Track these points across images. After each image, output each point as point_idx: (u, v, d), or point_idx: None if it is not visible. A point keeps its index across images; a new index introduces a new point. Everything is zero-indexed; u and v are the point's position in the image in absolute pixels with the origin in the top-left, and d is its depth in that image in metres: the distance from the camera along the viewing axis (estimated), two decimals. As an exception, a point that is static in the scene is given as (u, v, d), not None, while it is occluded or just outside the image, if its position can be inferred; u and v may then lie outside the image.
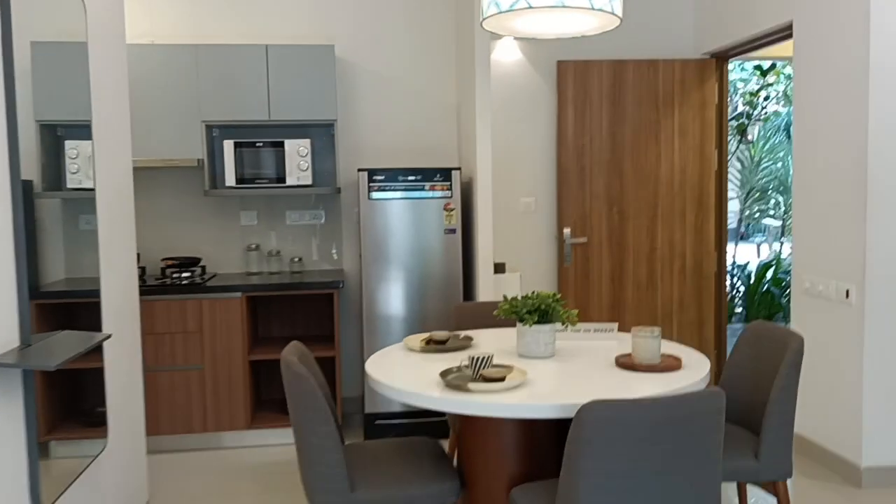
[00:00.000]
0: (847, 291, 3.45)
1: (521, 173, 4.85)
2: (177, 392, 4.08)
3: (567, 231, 4.77)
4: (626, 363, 2.46)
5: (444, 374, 2.36)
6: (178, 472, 3.84)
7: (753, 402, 2.71)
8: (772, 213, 9.69)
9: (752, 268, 8.30)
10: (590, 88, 4.72)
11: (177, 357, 4.07)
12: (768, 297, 7.62)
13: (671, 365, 2.42)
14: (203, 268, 4.46)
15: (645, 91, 4.75)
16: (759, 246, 13.35)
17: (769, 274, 7.77)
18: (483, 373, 2.27)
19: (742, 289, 7.77)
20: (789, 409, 2.49)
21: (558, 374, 2.42)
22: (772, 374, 2.64)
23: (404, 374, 2.46)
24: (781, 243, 9.82)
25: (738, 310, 7.74)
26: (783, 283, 7.71)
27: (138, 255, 4.47)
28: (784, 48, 4.49)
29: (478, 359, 2.33)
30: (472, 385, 2.21)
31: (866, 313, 3.35)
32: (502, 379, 2.25)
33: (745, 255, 11.08)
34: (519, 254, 4.87)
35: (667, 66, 4.74)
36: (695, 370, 2.43)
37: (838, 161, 3.51)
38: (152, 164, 4.19)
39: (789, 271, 7.94)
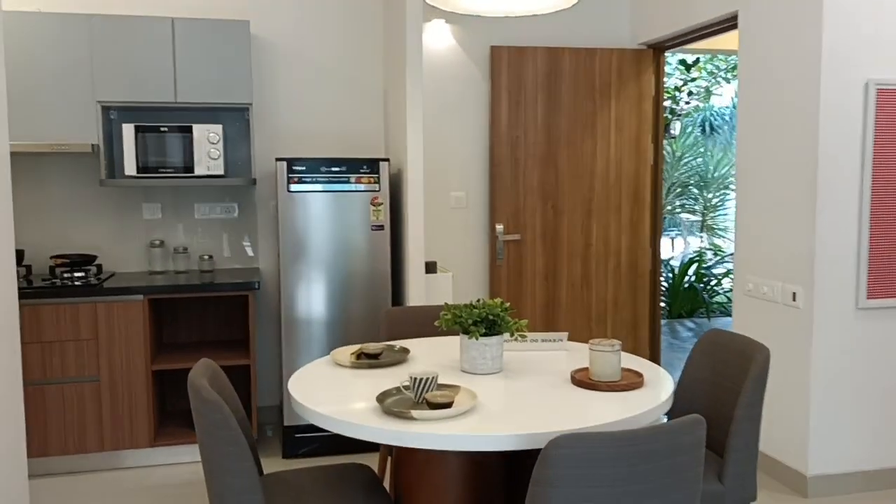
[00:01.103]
0: (794, 294, 3.33)
1: (451, 166, 4.57)
2: (68, 408, 3.60)
3: (500, 227, 4.52)
4: (583, 380, 2.21)
5: (381, 397, 2.05)
6: (70, 497, 3.38)
7: (713, 419, 2.52)
8: (692, 207, 9.79)
9: (674, 263, 8.31)
10: (524, 76, 4.48)
11: (68, 368, 3.59)
12: (692, 292, 7.63)
13: (633, 382, 2.19)
14: (99, 266, 3.98)
15: (582, 81, 4.54)
16: (673, 239, 13.59)
17: (692, 270, 7.78)
18: (427, 396, 1.97)
19: (665, 284, 7.76)
20: (754, 428, 2.30)
21: (510, 394, 2.14)
22: (732, 388, 2.45)
23: (334, 396, 2.14)
24: (700, 238, 9.94)
25: (662, 304, 7.73)
26: (706, 279, 7.74)
27: (22, 251, 3.94)
28: (723, 40, 4.36)
29: (420, 380, 2.03)
30: (415, 412, 1.91)
31: (815, 317, 3.23)
32: (450, 404, 1.96)
33: (662, 248, 11.20)
34: (449, 251, 4.60)
35: (604, 55, 4.54)
36: (658, 388, 2.21)
37: (785, 157, 3.38)
38: (38, 150, 3.68)
39: (710, 267, 8.00)
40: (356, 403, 2.06)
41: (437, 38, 4.47)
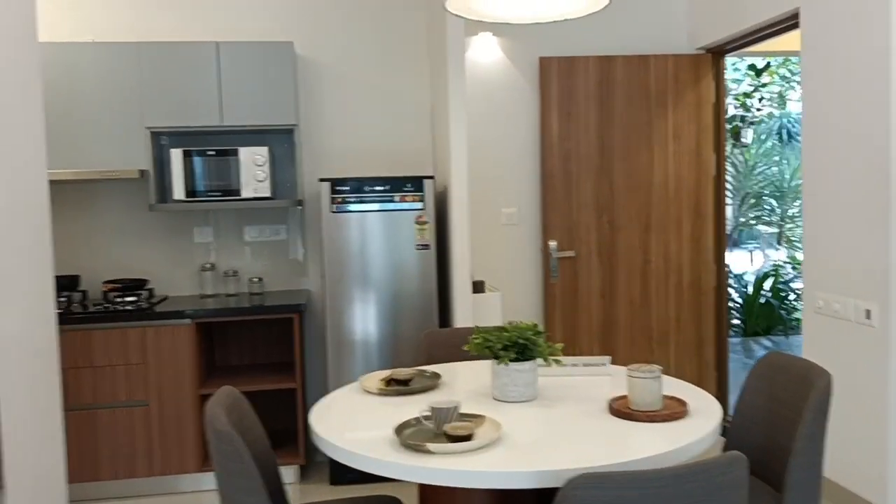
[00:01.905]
0: (867, 311, 3.05)
1: (502, 181, 4.44)
2: (119, 432, 3.63)
3: (553, 244, 4.36)
4: (621, 409, 2.05)
5: (400, 428, 1.94)
6: (117, 523, 3.40)
7: (771, 450, 2.30)
8: (767, 219, 9.34)
9: (749, 277, 7.92)
10: (575, 87, 4.32)
11: (118, 393, 3.63)
12: (767, 308, 7.24)
13: (675, 412, 2.01)
14: (150, 291, 4.03)
15: (635, 89, 4.35)
16: (752, 253, 13.03)
17: (767, 284, 7.39)
18: (446, 428, 1.85)
19: (739, 300, 7.39)
20: (817, 462, 2.08)
21: (540, 424, 2.00)
22: (792, 417, 2.23)
23: (355, 427, 2.04)
24: (777, 250, 9.46)
25: (735, 322, 7.36)
26: (783, 294, 7.33)
27: (77, 277, 4.02)
28: (786, 41, 4.11)
29: (440, 410, 1.91)
30: (432, 446, 1.79)
31: (892, 336, 2.95)
32: (470, 436, 1.83)
33: (738, 262, 10.72)
34: (500, 270, 4.46)
35: (658, 61, 4.35)
36: (703, 417, 2.02)
37: (855, 165, 3.12)
38: (88, 177, 3.75)
39: (789, 281, 7.58)
40: (375, 434, 1.96)
41: (485, 52, 4.37)
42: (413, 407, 2.20)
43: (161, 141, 4.07)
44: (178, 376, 3.65)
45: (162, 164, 4.06)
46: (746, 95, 8.19)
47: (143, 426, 3.65)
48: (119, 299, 3.80)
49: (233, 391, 2.19)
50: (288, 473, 3.83)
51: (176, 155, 3.83)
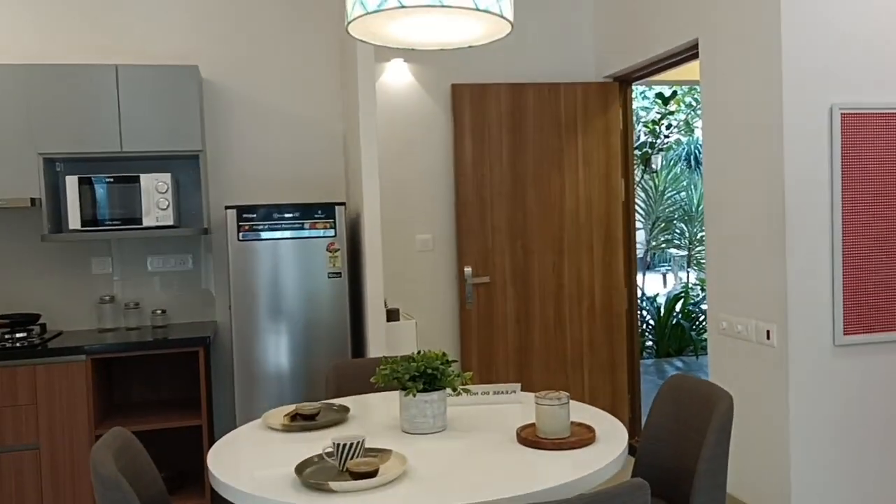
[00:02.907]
0: (768, 332, 3.14)
1: (416, 207, 4.41)
2: (5, 478, 3.38)
3: (468, 270, 4.35)
4: (528, 437, 2.02)
5: (301, 467, 1.85)
6: (3, 579, 3.15)
7: (677, 471, 2.32)
8: (677, 242, 9.64)
9: (661, 299, 8.13)
10: (488, 114, 4.35)
11: (5, 436, 3.38)
12: (679, 330, 7.44)
13: (583, 438, 2.00)
14: (43, 326, 3.79)
15: (546, 116, 4.42)
16: (664, 275, 13.43)
17: (678, 306, 7.60)
18: (349, 465, 1.78)
19: (651, 322, 7.57)
20: (720, 482, 2.10)
21: (447, 457, 1.95)
22: (696, 438, 2.26)
23: (255, 466, 1.94)
24: (688, 273, 9.77)
25: (648, 343, 7.53)
26: (693, 316, 7.55)
27: (-38, 312, 3.75)
28: (690, 70, 4.25)
29: (343, 445, 1.83)
30: (333, 484, 1.71)
31: (790, 355, 3.04)
32: (374, 472, 1.76)
33: (652, 285, 11.02)
34: (415, 297, 4.41)
35: (568, 89, 4.43)
36: (610, 443, 2.02)
37: (753, 192, 3.23)
38: (-27, 205, 3.52)
39: (698, 303, 7.82)
40: (276, 473, 1.87)
41: (397, 78, 4.36)
42: (319, 443, 2.12)
43: (55, 168, 3.87)
44: (72, 417, 3.44)
45: (56, 192, 3.85)
46: (655, 123, 8.48)
47: (33, 471, 3.41)
48: (7, 336, 3.56)
49: (123, 432, 2.06)
50: (194, 515, 3.65)
51: (71, 182, 3.64)
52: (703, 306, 7.68)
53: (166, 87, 3.73)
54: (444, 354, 2.20)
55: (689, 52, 3.77)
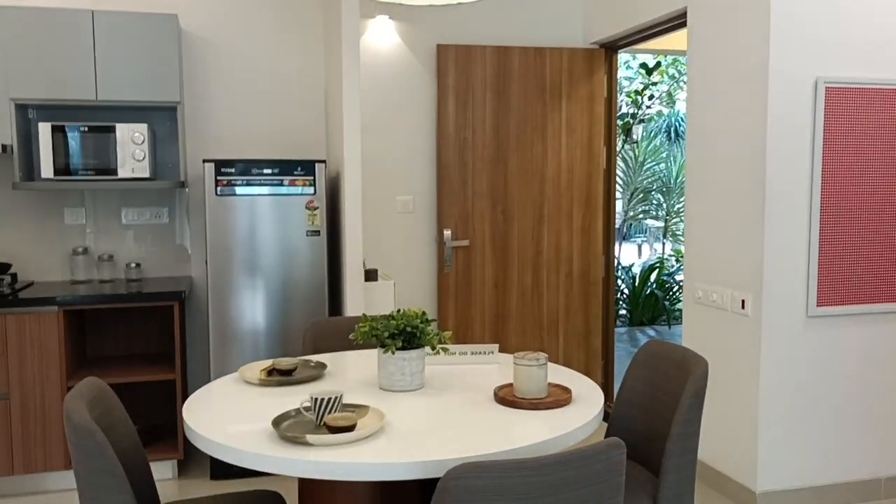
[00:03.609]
0: (743, 301, 3.18)
1: (397, 169, 4.38)
2: (-25, 427, 3.35)
3: (447, 233, 4.34)
4: (506, 397, 2.03)
5: (278, 420, 1.85)
6: (-29, 527, 3.13)
7: (650, 435, 2.36)
8: (654, 213, 9.70)
9: (636, 269, 8.20)
10: (472, 76, 4.31)
11: (-26, 385, 3.34)
12: (652, 300, 7.52)
13: (559, 399, 2.01)
14: (14, 276, 3.73)
15: (531, 81, 4.38)
16: (640, 246, 13.54)
17: (653, 276, 7.67)
18: (327, 419, 1.78)
19: (626, 291, 7.64)
20: (692, 446, 2.14)
21: (425, 414, 1.95)
22: (670, 403, 2.29)
23: (232, 419, 1.93)
24: (663, 244, 9.85)
25: (622, 312, 7.61)
26: (667, 286, 7.63)
27: (-70, 260, 3.67)
28: (676, 40, 4.24)
29: (321, 400, 1.83)
30: (311, 437, 1.71)
31: (763, 324, 3.09)
32: (352, 427, 1.76)
33: (627, 255, 11.11)
34: (394, 258, 4.40)
35: (554, 54, 4.39)
36: (586, 404, 2.04)
37: (734, 164, 3.25)
38: (-57, 150, 3.43)
39: (673, 274, 7.90)
40: (253, 427, 1.86)
41: (382, 36, 4.28)
42: (295, 398, 2.11)
43: (28, 114, 3.77)
44: (43, 368, 3.40)
45: (29, 139, 3.76)
46: (638, 93, 8.45)
47: (3, 421, 3.37)
48: (-23, 284, 3.50)
49: (98, 383, 2.04)
50: (166, 468, 3.65)
51: (44, 129, 3.55)
52: (678, 277, 7.76)
53: (144, 36, 3.63)
54: (423, 313, 2.20)
55: (677, 21, 3.75)
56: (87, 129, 3.60)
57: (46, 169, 3.57)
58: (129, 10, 3.80)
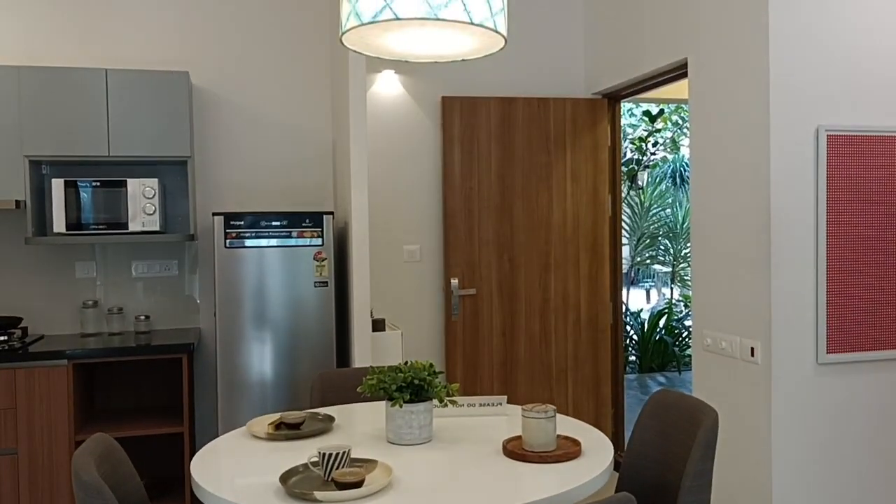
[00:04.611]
0: (752, 349, 3.17)
1: (404, 218, 4.42)
2: (-18, 483, 3.33)
3: (454, 282, 4.35)
4: (515, 450, 2.02)
5: (286, 476, 1.84)
6: (-24, 586, 3.09)
7: (662, 487, 2.33)
8: (662, 258, 9.70)
9: (645, 315, 8.17)
10: (477, 127, 4.37)
11: (-17, 440, 3.33)
12: (661, 345, 7.47)
13: (569, 452, 2.00)
14: (24, 329, 3.75)
15: (535, 131, 4.44)
16: (648, 291, 13.50)
17: (662, 322, 7.64)
18: (335, 475, 1.77)
19: (635, 337, 7.60)
20: (705, 499, 2.11)
21: (433, 468, 1.94)
22: (681, 454, 2.27)
23: (239, 474, 1.93)
24: (671, 289, 9.83)
25: (632, 358, 7.56)
26: (676, 332, 7.59)
27: (-58, 314, 3.70)
28: (678, 89, 4.30)
29: (329, 455, 1.83)
30: (319, 494, 1.70)
31: (773, 373, 3.07)
32: (360, 483, 1.75)
33: (635, 300, 11.08)
34: (402, 307, 4.41)
35: (557, 104, 4.46)
36: (596, 456, 2.02)
37: (739, 210, 3.27)
38: (-42, 206, 3.49)
39: (682, 319, 7.86)
40: (260, 482, 1.85)
41: (388, 88, 4.37)
42: (303, 452, 2.11)
43: (42, 170, 3.84)
44: (53, 422, 3.40)
45: (42, 195, 3.82)
46: (642, 140, 8.55)
47: (11, 476, 3.36)
48: (-12, 339, 3.52)
49: (106, 438, 2.04)
50: (173, 524, 3.61)
51: (57, 185, 3.61)
52: (687, 322, 7.73)
53: (156, 93, 3.72)
54: (430, 365, 2.20)
55: (678, 71, 3.81)
56: (98, 184, 3.67)
57: (59, 224, 3.62)
58: (141, 69, 3.90)
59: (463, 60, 2.41)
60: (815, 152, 3.07)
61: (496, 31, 2.09)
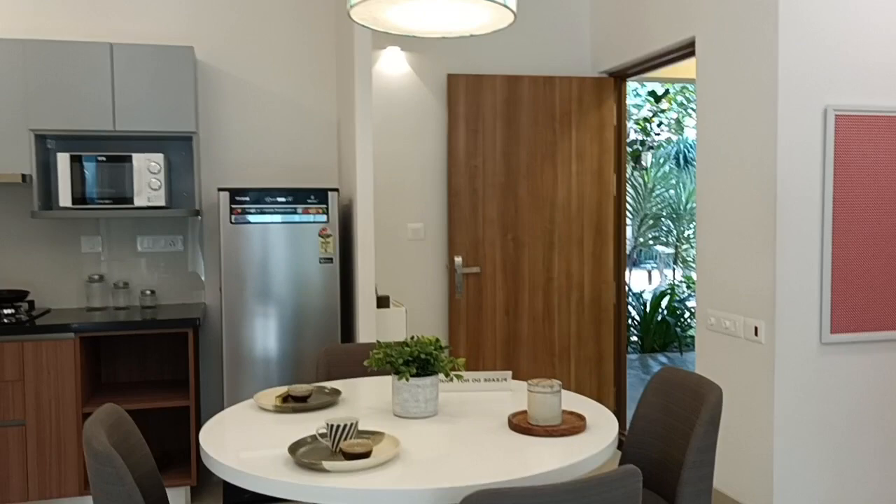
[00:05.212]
0: (756, 328, 3.18)
1: (408, 196, 4.42)
2: (-10, 454, 3.37)
3: (458, 260, 4.36)
4: (520, 424, 2.04)
5: (294, 446, 1.86)
6: (-15, 555, 3.14)
7: (665, 462, 2.35)
8: (664, 239, 9.70)
9: (647, 296, 8.19)
10: (483, 105, 4.36)
11: (-9, 412, 3.36)
12: (663, 326, 7.50)
13: (574, 426, 2.02)
14: (31, 303, 3.77)
15: (541, 109, 4.43)
16: (650, 272, 13.51)
17: (664, 302, 7.65)
18: (343, 446, 1.79)
19: (637, 318, 7.62)
20: (707, 474, 2.13)
21: (440, 440, 1.96)
22: (685, 430, 2.29)
23: (248, 445, 1.95)
24: (674, 270, 9.84)
25: (633, 338, 7.59)
26: (678, 312, 7.61)
27: (-51, 287, 3.72)
28: (684, 69, 4.28)
29: (337, 427, 1.84)
30: (327, 463, 1.73)
31: (777, 352, 3.08)
32: (367, 454, 1.77)
33: (637, 281, 11.09)
34: (406, 285, 4.42)
35: (563, 82, 4.44)
36: (601, 431, 2.04)
37: (744, 190, 3.27)
38: (-36, 179, 3.49)
39: (684, 300, 7.88)
40: (268, 453, 1.87)
41: (393, 66, 4.35)
42: (310, 424, 2.13)
43: (47, 144, 3.84)
44: (59, 394, 3.42)
45: (47, 169, 3.82)
46: (646, 120, 8.51)
47: (19, 447, 3.39)
48: (-5, 312, 3.54)
49: (115, 409, 2.06)
50: (179, 495, 3.65)
51: (63, 159, 3.61)
52: (689, 303, 7.75)
53: (161, 68, 3.71)
54: (437, 340, 2.22)
55: (686, 50, 3.79)
56: (104, 158, 3.66)
57: (64, 198, 3.62)
58: (146, 43, 3.88)
59: (471, 36, 2.41)
60: (823, 132, 3.07)
61: (505, 6, 2.08)
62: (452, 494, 1.64)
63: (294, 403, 2.30)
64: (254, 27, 4.18)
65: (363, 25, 2.25)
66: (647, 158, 9.26)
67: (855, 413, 3.20)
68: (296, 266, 3.68)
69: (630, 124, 9.05)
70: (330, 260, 3.72)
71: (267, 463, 1.80)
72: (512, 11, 2.13)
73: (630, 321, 7.56)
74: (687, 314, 7.65)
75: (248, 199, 3.62)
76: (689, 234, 9.36)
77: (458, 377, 2.26)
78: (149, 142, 3.99)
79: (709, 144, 3.52)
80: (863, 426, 3.21)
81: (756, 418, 3.21)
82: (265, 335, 3.66)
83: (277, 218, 3.65)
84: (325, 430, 1.89)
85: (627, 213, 9.40)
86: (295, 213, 3.67)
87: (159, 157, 3.71)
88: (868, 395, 3.20)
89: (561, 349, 4.52)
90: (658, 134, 8.74)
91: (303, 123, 4.28)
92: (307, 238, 3.69)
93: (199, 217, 4.12)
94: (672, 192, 9.72)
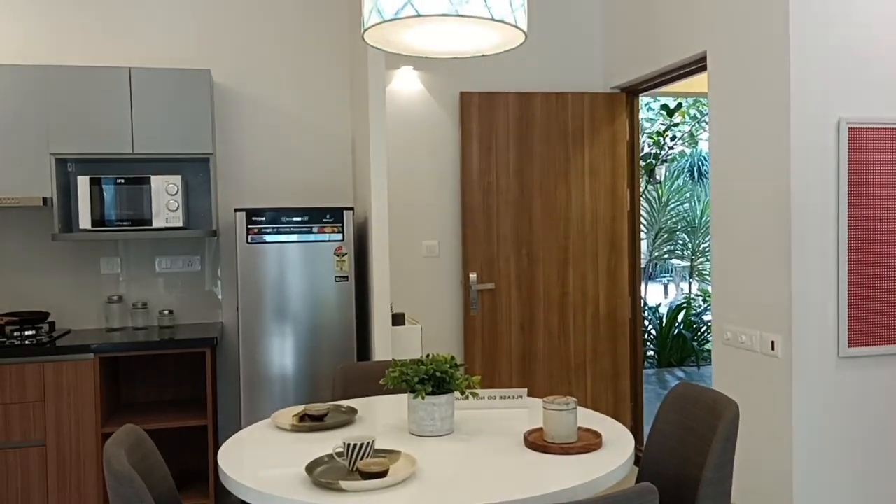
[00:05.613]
0: (772, 343, 3.17)
1: (422, 214, 4.45)
2: (11, 474, 3.40)
3: (473, 276, 4.37)
4: (536, 442, 2.04)
5: (311, 466, 1.88)
6: (7, 575, 3.16)
7: (682, 479, 2.34)
8: (680, 253, 9.66)
9: (663, 310, 8.15)
10: (496, 122, 4.39)
11: (12, 432, 3.40)
12: (680, 340, 7.45)
13: (590, 443, 2.02)
14: (51, 324, 3.82)
15: (553, 126, 4.45)
16: (666, 286, 13.45)
17: (680, 316, 7.61)
18: (360, 465, 1.80)
19: (654, 332, 7.58)
20: (725, 490, 2.12)
21: (456, 459, 1.97)
22: (702, 446, 2.28)
23: (265, 464, 1.96)
24: (690, 284, 9.79)
25: (650, 353, 7.55)
26: (695, 326, 7.57)
27: (-29, 309, 3.78)
28: (696, 83, 4.29)
29: (354, 446, 1.86)
30: (344, 483, 1.74)
31: (795, 366, 3.06)
32: (384, 473, 1.78)
33: (653, 295, 11.04)
34: (421, 302, 4.44)
35: (576, 98, 4.47)
36: (617, 449, 2.04)
37: (759, 203, 3.26)
38: (-14, 203, 3.55)
39: (700, 314, 7.84)
40: (286, 472, 1.89)
41: (406, 85, 4.39)
42: (327, 443, 2.14)
43: (67, 168, 3.91)
44: (79, 414, 3.46)
45: (68, 192, 3.89)
46: (660, 134, 8.51)
47: (39, 468, 3.43)
48: (16, 333, 3.59)
49: (135, 429, 2.08)
50: (197, 515, 3.67)
51: (82, 182, 3.67)
52: (705, 317, 7.70)
53: (178, 91, 3.77)
54: (452, 358, 2.23)
55: (697, 65, 3.80)
56: (123, 181, 3.72)
57: (84, 220, 3.68)
58: (163, 67, 3.94)
59: (483, 56, 2.43)
60: (837, 145, 3.06)
61: (516, 27, 2.11)
62: (469, 513, 1.65)
63: (311, 422, 2.31)
64: (269, 49, 4.24)
65: (377, 48, 2.28)
66: (661, 172, 9.24)
67: (876, 427, 3.16)
68: (311, 285, 3.71)
69: (643, 138, 9.05)
70: (345, 278, 3.74)
71: (285, 482, 1.81)
72: (523, 32, 2.16)
73: (646, 336, 7.52)
74: (704, 328, 7.60)
75: (264, 218, 3.66)
76: (704, 248, 9.32)
77: (474, 395, 2.26)
78: (167, 163, 4.05)
79: (722, 158, 3.52)
80: (884, 440, 3.18)
81: (775, 434, 3.18)
82: (281, 354, 3.68)
83: (293, 237, 3.68)
84: (341, 450, 1.90)
85: (642, 227, 9.40)
86: (310, 231, 3.70)
87: (177, 178, 3.76)
88: (889, 409, 3.17)
89: (577, 365, 4.51)
90: (672, 147, 8.73)
91: (318, 143, 4.32)
92: (323, 257, 3.72)
93: (217, 237, 4.16)
94: (687, 205, 9.69)
